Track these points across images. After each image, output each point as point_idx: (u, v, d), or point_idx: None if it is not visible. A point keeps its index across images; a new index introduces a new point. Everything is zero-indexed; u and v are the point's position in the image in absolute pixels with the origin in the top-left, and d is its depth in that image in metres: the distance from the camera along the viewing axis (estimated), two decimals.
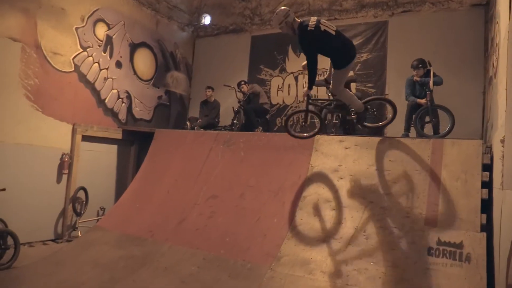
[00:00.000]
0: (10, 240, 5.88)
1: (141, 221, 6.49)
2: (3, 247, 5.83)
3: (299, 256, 5.00)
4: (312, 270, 4.77)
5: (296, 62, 9.71)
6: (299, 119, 5.70)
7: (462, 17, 7.94)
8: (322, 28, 4.83)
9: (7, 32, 6.83)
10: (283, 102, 9.81)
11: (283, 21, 4.85)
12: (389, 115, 5.68)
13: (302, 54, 9.52)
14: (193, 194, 6.53)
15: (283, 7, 4.99)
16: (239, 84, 8.81)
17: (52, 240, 7.55)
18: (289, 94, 9.69)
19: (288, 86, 9.77)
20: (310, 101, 5.45)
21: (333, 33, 4.93)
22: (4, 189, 5.98)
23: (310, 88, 5.13)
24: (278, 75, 9.95)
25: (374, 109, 5.70)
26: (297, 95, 9.33)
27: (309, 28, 4.77)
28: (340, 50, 4.97)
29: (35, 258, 6.03)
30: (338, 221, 5.20)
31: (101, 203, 8.50)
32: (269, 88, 9.97)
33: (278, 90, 9.89)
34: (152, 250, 5.77)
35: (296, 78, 9.71)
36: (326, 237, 5.10)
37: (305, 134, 5.69)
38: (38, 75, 7.31)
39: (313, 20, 4.86)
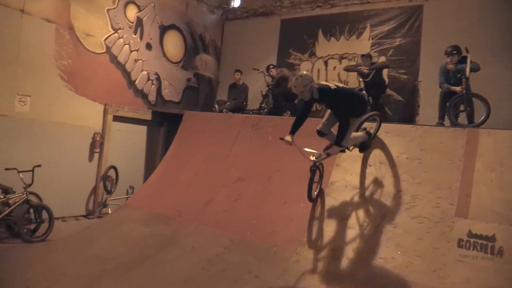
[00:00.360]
0: (45, 214, 6.17)
1: (169, 201, 6.63)
2: (38, 220, 6.13)
3: (324, 241, 5.00)
4: (338, 256, 4.76)
5: (326, 46, 9.54)
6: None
7: (502, 0, 7.53)
8: (340, 85, 5.05)
9: (42, 13, 7.00)
10: None
11: (308, 84, 4.77)
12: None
13: (332, 39, 9.45)
14: (220, 176, 6.60)
15: (305, 72, 4.91)
16: (267, 68, 8.73)
17: (83, 216, 7.85)
18: (318, 79, 9.50)
19: (317, 71, 9.61)
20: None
21: (347, 86, 5.35)
22: (39, 166, 6.21)
23: (340, 144, 4.91)
24: (307, 60, 9.81)
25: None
26: (326, 81, 9.16)
27: (332, 88, 4.84)
28: (359, 99, 5.22)
29: (68, 232, 6.29)
30: (366, 209, 5.15)
31: (130, 182, 8.74)
32: None
33: None
34: (179, 229, 5.90)
35: (326, 63, 9.55)
36: (352, 224, 5.07)
37: (315, 193, 5.46)
38: (71, 56, 7.49)
39: (326, 83, 4.99)
